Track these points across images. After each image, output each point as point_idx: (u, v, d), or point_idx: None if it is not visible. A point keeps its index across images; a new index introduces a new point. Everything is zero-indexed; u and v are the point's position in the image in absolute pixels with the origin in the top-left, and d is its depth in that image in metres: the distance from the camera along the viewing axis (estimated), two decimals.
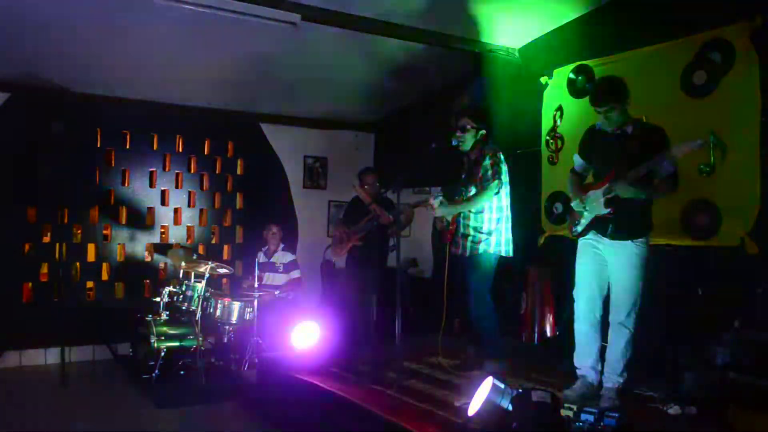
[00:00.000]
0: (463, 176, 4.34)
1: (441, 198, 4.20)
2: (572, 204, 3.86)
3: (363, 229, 5.57)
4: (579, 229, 3.80)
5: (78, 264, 6.49)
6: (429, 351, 4.74)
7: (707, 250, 4.26)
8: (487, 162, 4.11)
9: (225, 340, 5.81)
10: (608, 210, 3.62)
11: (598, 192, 3.68)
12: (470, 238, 4.17)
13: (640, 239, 3.62)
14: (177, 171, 7.03)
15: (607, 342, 3.76)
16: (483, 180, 4.12)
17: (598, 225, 3.71)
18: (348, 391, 3.98)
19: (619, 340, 3.66)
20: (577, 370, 3.87)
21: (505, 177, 4.19)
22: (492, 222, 4.16)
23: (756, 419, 3.10)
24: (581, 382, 3.82)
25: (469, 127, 4.18)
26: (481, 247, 4.14)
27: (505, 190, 4.22)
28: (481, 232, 4.15)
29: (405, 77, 6.47)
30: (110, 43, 5.29)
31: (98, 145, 6.59)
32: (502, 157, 4.18)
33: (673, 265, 4.43)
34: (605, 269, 3.73)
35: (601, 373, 3.79)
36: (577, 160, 3.97)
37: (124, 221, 6.71)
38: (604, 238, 3.70)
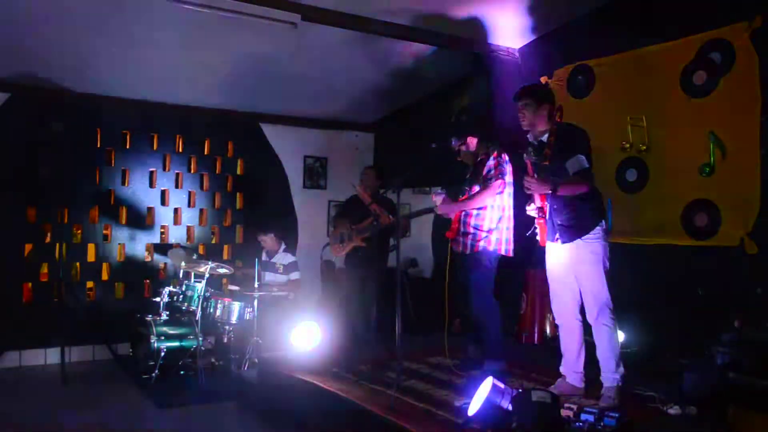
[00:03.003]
0: (467, 176, 4.36)
1: (443, 196, 4.23)
2: (527, 209, 3.90)
3: (367, 230, 5.57)
4: (537, 239, 3.86)
5: (78, 264, 6.49)
6: (429, 351, 4.74)
7: (707, 250, 4.26)
8: (491, 162, 4.17)
9: (225, 340, 5.81)
10: (536, 216, 3.72)
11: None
12: (471, 236, 4.20)
13: (589, 237, 3.65)
14: (177, 171, 7.02)
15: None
16: (485, 179, 4.15)
17: (549, 232, 3.78)
18: (348, 391, 3.98)
19: (601, 339, 3.69)
20: (560, 368, 3.94)
21: (509, 177, 4.22)
22: (493, 221, 4.18)
23: (756, 419, 3.10)
24: (559, 382, 3.89)
25: (467, 139, 4.27)
26: (481, 245, 4.16)
27: (509, 191, 4.23)
28: (482, 230, 4.16)
29: (405, 77, 6.47)
30: (110, 43, 5.29)
31: (98, 145, 6.59)
32: (506, 157, 4.21)
33: (673, 265, 4.43)
34: (570, 271, 3.77)
35: (586, 375, 3.85)
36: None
37: (124, 221, 6.71)
38: (558, 243, 3.77)
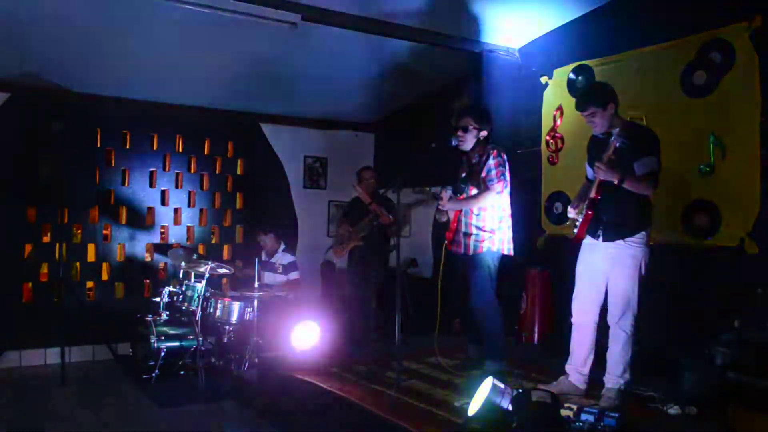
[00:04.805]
0: (463, 175, 4.34)
1: (450, 193, 4.22)
2: (569, 210, 3.85)
3: (364, 228, 5.57)
4: (575, 231, 3.81)
5: (78, 264, 6.49)
6: (429, 351, 4.74)
7: (707, 250, 4.26)
8: (491, 162, 4.12)
9: (225, 340, 5.81)
10: (586, 212, 3.64)
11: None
12: (473, 237, 4.17)
13: (633, 240, 3.61)
14: (177, 171, 7.02)
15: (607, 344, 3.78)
16: (487, 180, 4.12)
17: (590, 228, 3.72)
18: (348, 391, 3.98)
19: (616, 343, 3.67)
20: (566, 366, 3.92)
21: (508, 177, 4.19)
22: (495, 221, 4.16)
23: (756, 419, 3.10)
24: (562, 380, 3.87)
25: (471, 127, 4.18)
26: (485, 246, 4.14)
27: (508, 190, 4.22)
28: (485, 231, 4.15)
29: (405, 77, 6.47)
30: (110, 43, 5.29)
31: (98, 145, 6.59)
32: (505, 157, 4.19)
33: (673, 265, 4.43)
34: (601, 273, 3.73)
35: (589, 376, 3.83)
36: (587, 169, 3.97)
37: (124, 221, 6.71)
38: (599, 241, 3.71)
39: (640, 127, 3.76)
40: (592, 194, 3.61)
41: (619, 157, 3.52)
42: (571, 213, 3.78)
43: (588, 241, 3.79)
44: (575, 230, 3.77)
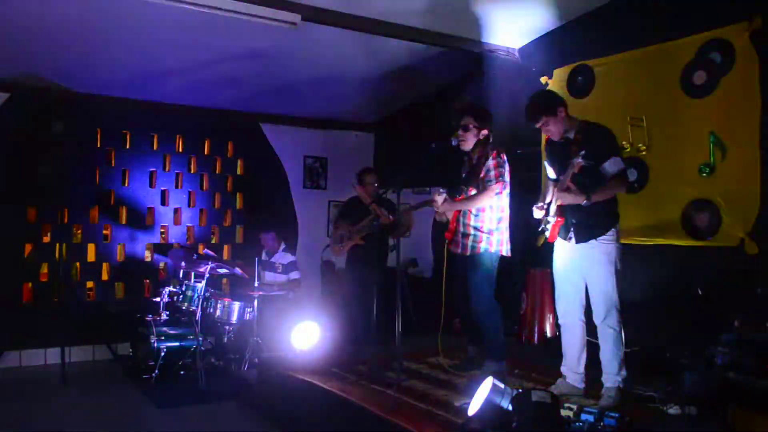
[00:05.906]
0: (463, 175, 4.33)
1: (445, 195, 4.21)
2: (534, 210, 3.85)
3: (365, 228, 5.57)
4: (546, 234, 3.81)
5: (78, 264, 6.49)
6: (429, 351, 4.74)
7: (707, 250, 4.26)
8: (490, 162, 4.11)
9: (225, 340, 5.81)
10: (556, 218, 3.66)
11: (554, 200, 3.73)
12: (471, 237, 4.17)
13: (604, 237, 3.63)
14: (177, 171, 7.03)
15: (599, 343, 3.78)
16: (485, 180, 4.11)
17: (561, 231, 3.74)
18: (348, 391, 3.98)
19: (606, 341, 3.68)
20: (561, 369, 3.92)
21: (507, 177, 4.18)
22: (493, 221, 4.16)
23: (756, 419, 3.10)
24: (559, 382, 3.88)
25: (471, 126, 4.17)
26: (483, 246, 4.14)
27: (507, 191, 4.21)
28: (482, 232, 4.15)
29: (405, 77, 6.47)
30: (110, 43, 5.29)
31: (98, 145, 6.60)
32: (505, 157, 4.18)
33: (673, 265, 4.43)
34: (577, 271, 3.75)
35: (587, 375, 3.83)
36: (547, 168, 3.99)
37: (124, 221, 6.71)
38: (571, 243, 3.73)
39: (597, 126, 3.73)
40: (559, 201, 3.64)
41: (583, 173, 3.49)
42: (537, 214, 3.79)
43: (561, 241, 3.81)
44: (546, 234, 3.78)
